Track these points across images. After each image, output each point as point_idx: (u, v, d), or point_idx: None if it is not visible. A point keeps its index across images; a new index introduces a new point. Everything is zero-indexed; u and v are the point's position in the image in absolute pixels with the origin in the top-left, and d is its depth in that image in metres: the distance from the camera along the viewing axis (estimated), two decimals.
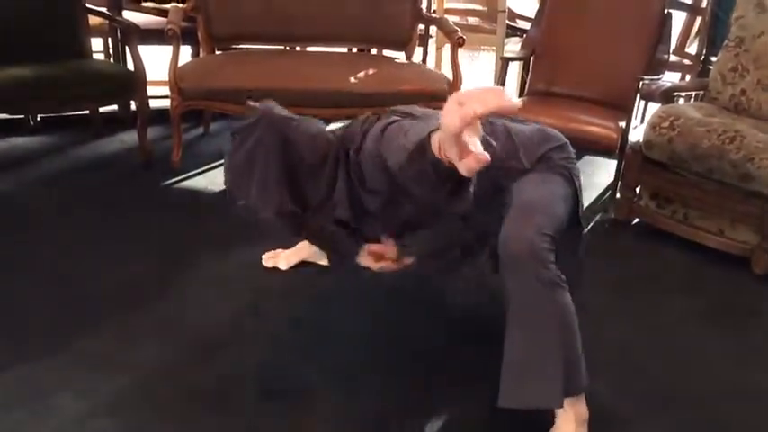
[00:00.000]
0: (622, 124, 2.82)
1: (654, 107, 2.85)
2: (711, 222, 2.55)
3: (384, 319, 2.01)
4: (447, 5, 4.45)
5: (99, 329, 1.82)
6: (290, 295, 2.09)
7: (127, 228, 2.45)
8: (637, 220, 2.79)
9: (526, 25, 3.99)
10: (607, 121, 2.83)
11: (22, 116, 3.27)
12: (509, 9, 4.21)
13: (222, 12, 3.18)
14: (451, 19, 3.68)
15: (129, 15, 3.38)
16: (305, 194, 1.58)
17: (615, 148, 2.79)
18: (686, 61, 3.96)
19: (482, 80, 4.59)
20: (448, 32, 3.19)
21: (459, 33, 3.09)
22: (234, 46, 3.42)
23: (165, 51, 2.90)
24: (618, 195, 2.84)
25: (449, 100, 0.90)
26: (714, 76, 2.89)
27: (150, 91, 3.04)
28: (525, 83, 3.35)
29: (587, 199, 3.06)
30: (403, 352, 1.85)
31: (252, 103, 1.56)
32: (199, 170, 3.02)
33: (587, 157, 3.53)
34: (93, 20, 3.16)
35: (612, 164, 3.05)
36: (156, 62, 3.32)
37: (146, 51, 3.00)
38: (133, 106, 3.11)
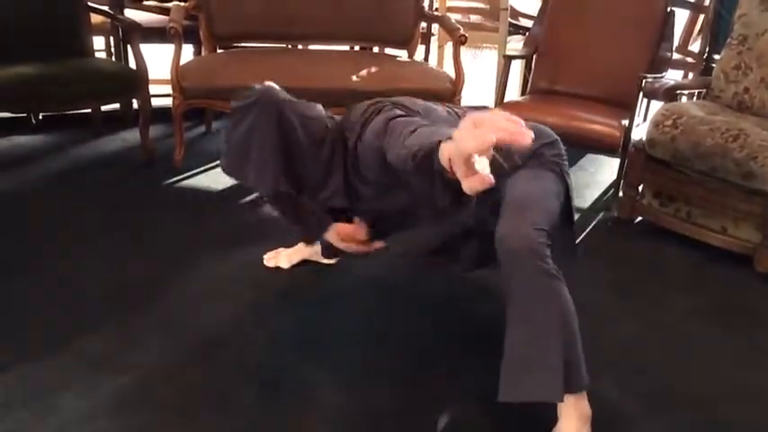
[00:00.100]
0: (625, 122, 2.81)
1: (657, 105, 2.84)
2: (714, 221, 2.54)
3: (386, 318, 2.01)
4: (449, 3, 4.44)
5: (99, 329, 1.82)
6: (291, 295, 2.09)
7: (128, 227, 2.44)
8: (639, 218, 2.78)
9: (529, 23, 3.98)
10: (610, 120, 2.82)
11: (24, 115, 3.27)
12: (511, 7, 4.21)
13: (224, 10, 3.17)
14: (454, 17, 3.69)
15: (130, 14, 3.38)
16: (300, 175, 1.60)
17: (618, 146, 2.79)
18: (689, 59, 3.95)
19: (484, 78, 4.58)
20: (450, 30, 3.18)
21: (462, 31, 3.09)
22: (236, 44, 3.42)
23: (167, 50, 2.91)
24: (620, 194, 2.83)
25: (465, 119, 0.89)
26: (717, 74, 2.88)
27: (152, 89, 3.05)
28: (528, 81, 3.34)
29: (590, 197, 3.06)
30: (404, 351, 1.85)
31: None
32: (201, 169, 3.02)
33: (590, 156, 3.52)
34: (95, 18, 3.17)
35: (615, 162, 3.04)
36: (158, 61, 3.33)
37: (147, 50, 3.00)
38: (135, 105, 3.11)
